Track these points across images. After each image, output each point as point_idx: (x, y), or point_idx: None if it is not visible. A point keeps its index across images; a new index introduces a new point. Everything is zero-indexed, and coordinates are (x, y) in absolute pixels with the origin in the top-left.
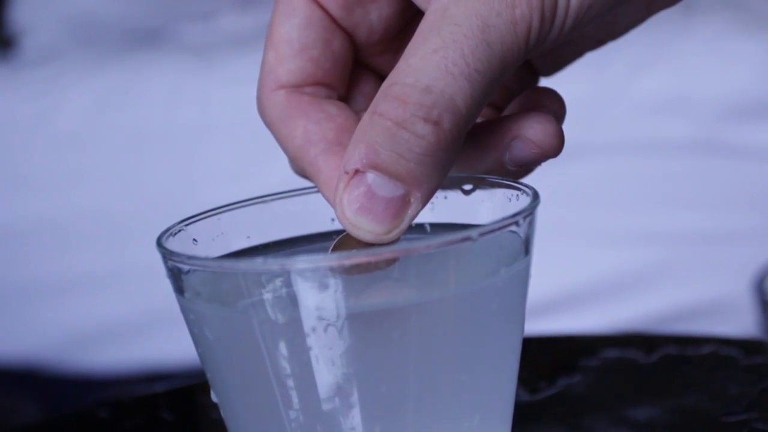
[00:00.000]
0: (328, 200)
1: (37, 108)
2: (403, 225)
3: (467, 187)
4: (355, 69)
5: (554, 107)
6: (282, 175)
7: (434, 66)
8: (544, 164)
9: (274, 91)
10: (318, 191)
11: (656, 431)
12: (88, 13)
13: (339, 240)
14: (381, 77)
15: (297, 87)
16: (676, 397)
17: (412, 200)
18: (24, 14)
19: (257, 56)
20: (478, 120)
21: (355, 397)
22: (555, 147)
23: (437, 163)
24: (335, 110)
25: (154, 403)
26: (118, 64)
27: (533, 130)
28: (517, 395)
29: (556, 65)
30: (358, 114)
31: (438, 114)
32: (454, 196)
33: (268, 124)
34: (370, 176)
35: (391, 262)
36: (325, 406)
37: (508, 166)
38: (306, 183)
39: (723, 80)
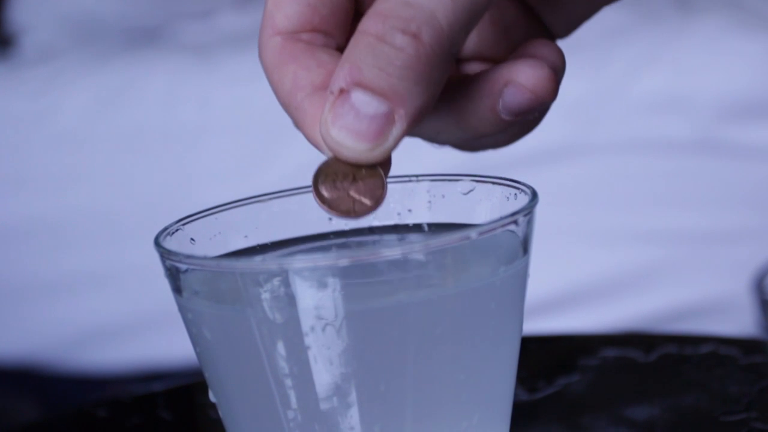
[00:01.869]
0: (311, 141)
1: (36, 107)
2: (388, 144)
3: (466, 186)
4: (357, 21)
5: (551, 57)
6: (280, 174)
7: None
8: (542, 163)
9: (271, 37)
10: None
11: (655, 431)
12: (88, 13)
13: (323, 163)
14: None
15: (294, 33)
16: (675, 396)
17: (397, 118)
18: (23, 13)
19: (256, 56)
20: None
21: (353, 397)
22: (548, 92)
23: (419, 78)
24: (327, 57)
25: (152, 402)
26: (118, 63)
27: (525, 74)
28: (516, 394)
29: (569, 23)
30: None
31: (417, 26)
32: (453, 195)
33: (264, 70)
34: (355, 94)
35: (367, 209)
36: (324, 406)
37: (503, 116)
38: (304, 182)
39: (723, 80)
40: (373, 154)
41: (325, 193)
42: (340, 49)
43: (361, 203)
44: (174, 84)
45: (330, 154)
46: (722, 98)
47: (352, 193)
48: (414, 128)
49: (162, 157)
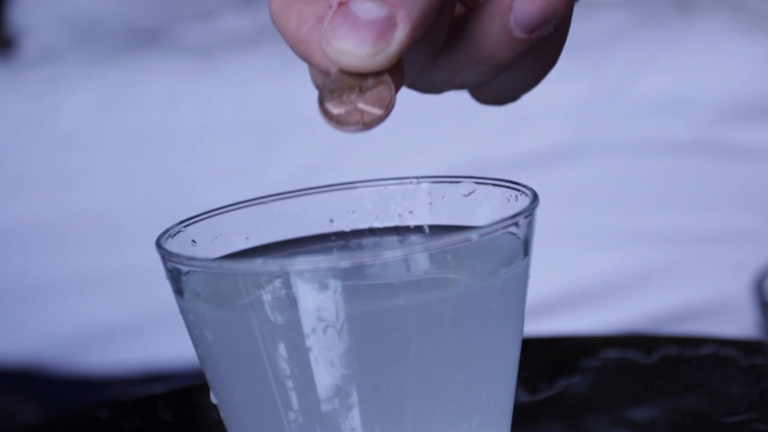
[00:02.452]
0: (320, 67)
1: (37, 108)
2: (391, 49)
3: (466, 188)
4: None
5: None
6: (281, 176)
7: None
8: (542, 165)
9: None
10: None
11: None
12: (88, 14)
13: (328, 80)
14: None
15: None
16: (676, 397)
17: (398, 20)
18: (24, 14)
19: (257, 56)
20: None
21: (354, 398)
22: None
23: None
24: None
25: (153, 403)
26: (118, 65)
27: None
28: (517, 396)
29: None
30: None
31: None
32: (454, 196)
33: (273, 22)
34: (353, 3)
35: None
36: (325, 407)
37: (516, 33)
38: (306, 184)
39: (723, 80)
40: (377, 60)
41: (332, 110)
42: None
43: (371, 113)
44: (175, 85)
45: (335, 69)
46: (722, 99)
47: (360, 105)
48: (420, 33)
49: (163, 158)
